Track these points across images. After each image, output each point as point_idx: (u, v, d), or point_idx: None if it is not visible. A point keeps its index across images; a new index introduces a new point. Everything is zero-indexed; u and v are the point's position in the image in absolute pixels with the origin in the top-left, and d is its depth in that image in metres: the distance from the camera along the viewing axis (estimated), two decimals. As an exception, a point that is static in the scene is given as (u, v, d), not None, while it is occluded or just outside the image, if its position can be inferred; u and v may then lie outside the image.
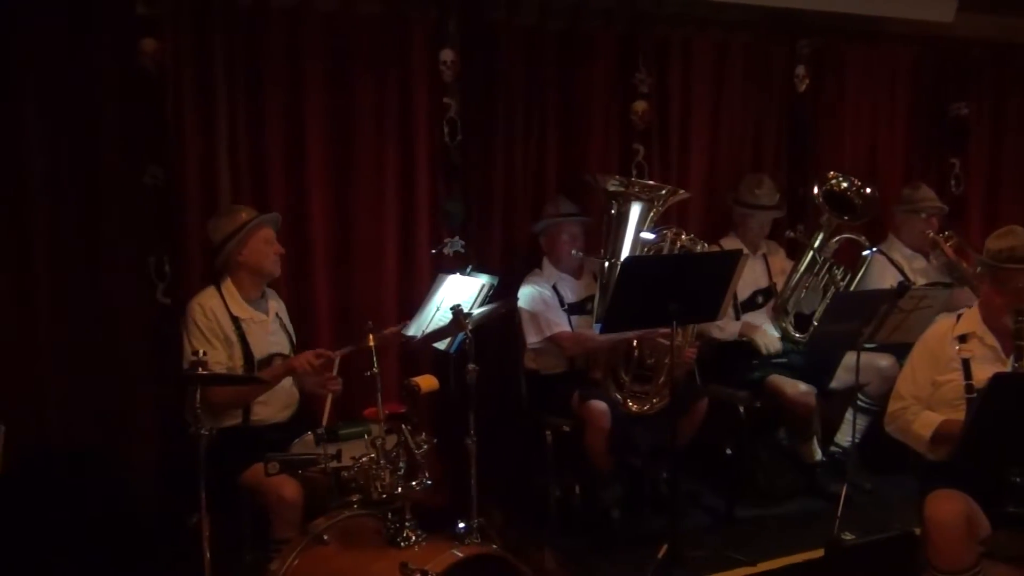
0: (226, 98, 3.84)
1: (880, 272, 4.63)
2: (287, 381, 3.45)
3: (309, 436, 3.07)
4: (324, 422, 3.20)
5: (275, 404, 3.40)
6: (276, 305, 3.55)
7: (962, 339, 3.03)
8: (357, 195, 4.10)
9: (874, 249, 4.80)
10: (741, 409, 4.17)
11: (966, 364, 2.96)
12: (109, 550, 3.43)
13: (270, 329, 3.45)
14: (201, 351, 2.81)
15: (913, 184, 4.86)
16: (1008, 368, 2.86)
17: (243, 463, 3.13)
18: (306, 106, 3.96)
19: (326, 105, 4.00)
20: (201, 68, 3.79)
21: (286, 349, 3.49)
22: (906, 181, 5.14)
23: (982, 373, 2.85)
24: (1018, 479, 2.72)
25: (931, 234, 4.63)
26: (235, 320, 3.35)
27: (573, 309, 4.13)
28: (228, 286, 3.40)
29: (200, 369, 2.75)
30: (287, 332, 3.55)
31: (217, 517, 2.78)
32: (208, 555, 2.70)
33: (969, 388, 2.92)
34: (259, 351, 3.37)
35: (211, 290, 3.41)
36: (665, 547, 3.55)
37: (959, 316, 3.16)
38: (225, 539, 3.03)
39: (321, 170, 4.02)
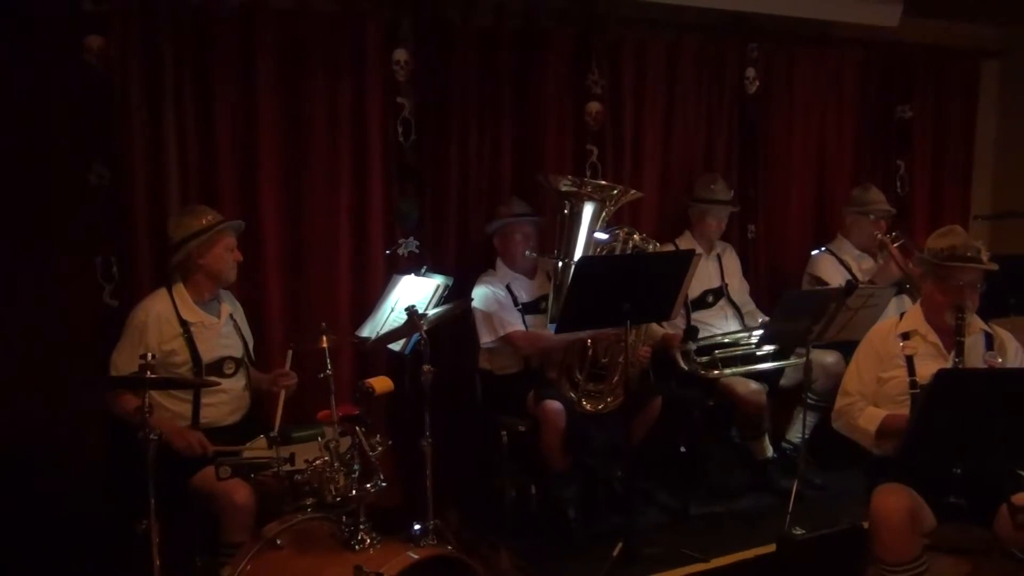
0: (175, 96, 3.78)
1: (830, 271, 4.72)
2: (239, 383, 3.41)
3: (261, 439, 3.04)
4: (277, 421, 3.17)
5: (225, 407, 3.37)
6: (230, 307, 3.51)
7: (905, 337, 3.11)
8: (310, 195, 4.06)
9: (823, 248, 4.90)
10: (694, 408, 4.22)
11: (909, 361, 3.04)
12: (54, 559, 3.36)
13: (221, 332, 3.41)
14: (149, 355, 2.75)
15: (863, 186, 4.95)
16: (949, 364, 2.93)
17: (193, 467, 3.09)
18: (258, 105, 3.91)
19: (278, 104, 3.96)
20: (149, 66, 3.72)
21: (238, 352, 3.45)
22: (853, 182, 5.25)
23: (925, 369, 2.92)
24: (959, 471, 2.80)
25: (879, 235, 4.72)
26: (184, 324, 3.30)
27: (527, 309, 4.14)
28: (180, 289, 3.36)
29: (148, 373, 2.70)
30: (241, 335, 3.51)
31: (167, 523, 2.73)
32: (157, 562, 2.65)
33: (913, 384, 3.00)
34: (208, 355, 3.32)
35: (161, 293, 3.36)
36: (620, 545, 3.57)
37: (902, 314, 3.24)
38: (175, 545, 2.97)
39: (273, 169, 3.97)
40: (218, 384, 3.25)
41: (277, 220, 4.00)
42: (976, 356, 3.04)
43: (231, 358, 3.40)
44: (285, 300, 4.03)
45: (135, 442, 2.65)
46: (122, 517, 3.03)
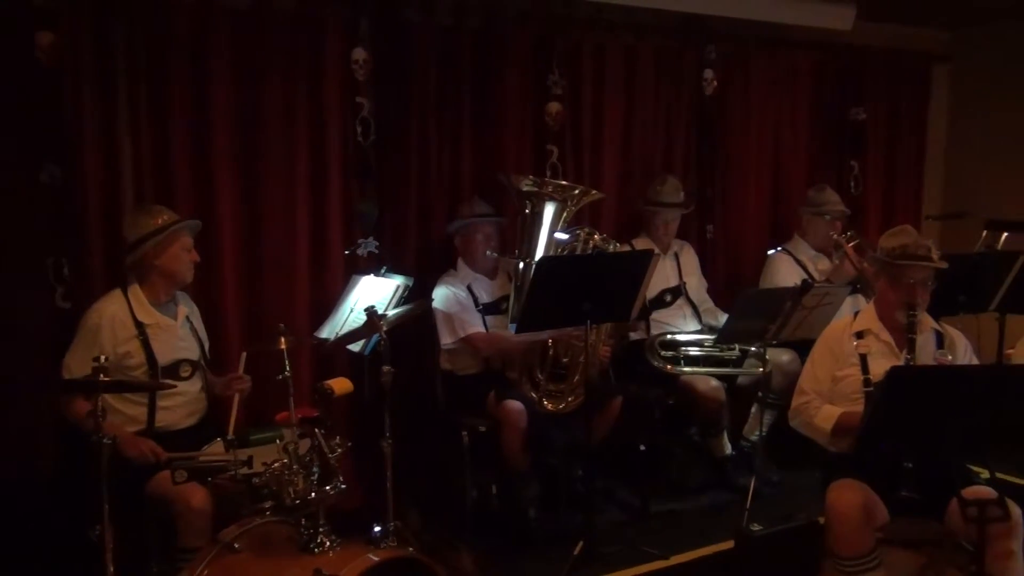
0: (128, 94, 3.72)
1: (785, 271, 4.79)
2: (194, 385, 3.37)
3: (218, 442, 3.01)
4: (231, 425, 3.13)
5: (181, 410, 3.32)
6: (187, 309, 3.46)
7: (859, 335, 3.16)
8: (267, 194, 4.02)
9: (779, 248, 4.97)
10: (655, 406, 4.25)
11: (863, 359, 3.09)
12: (5, 568, 3.28)
13: (178, 334, 3.36)
14: (103, 357, 2.70)
15: (818, 187, 5.03)
16: (901, 362, 2.99)
17: (149, 471, 3.04)
18: (214, 103, 3.86)
19: (235, 103, 3.91)
20: (101, 63, 3.65)
21: (195, 355, 3.41)
22: (809, 182, 5.33)
23: (878, 367, 2.98)
24: (911, 466, 2.86)
25: (834, 236, 4.80)
26: (139, 326, 3.25)
27: (488, 309, 4.14)
28: (135, 291, 3.30)
29: (102, 376, 2.65)
30: (197, 337, 3.46)
31: (121, 528, 2.68)
32: (112, 568, 2.60)
33: (867, 382, 3.05)
34: (164, 357, 3.27)
35: (116, 294, 3.30)
36: (581, 544, 3.60)
37: (856, 313, 3.30)
38: (130, 551, 2.93)
39: (229, 169, 3.92)
40: (174, 387, 3.21)
41: (234, 220, 3.95)
42: (927, 354, 3.10)
43: (187, 360, 3.35)
44: (242, 301, 3.99)
45: (88, 446, 2.59)
46: (75, 523, 2.98)
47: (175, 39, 3.77)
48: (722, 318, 4.68)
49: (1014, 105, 5.67)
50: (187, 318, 3.43)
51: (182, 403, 3.32)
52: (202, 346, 3.47)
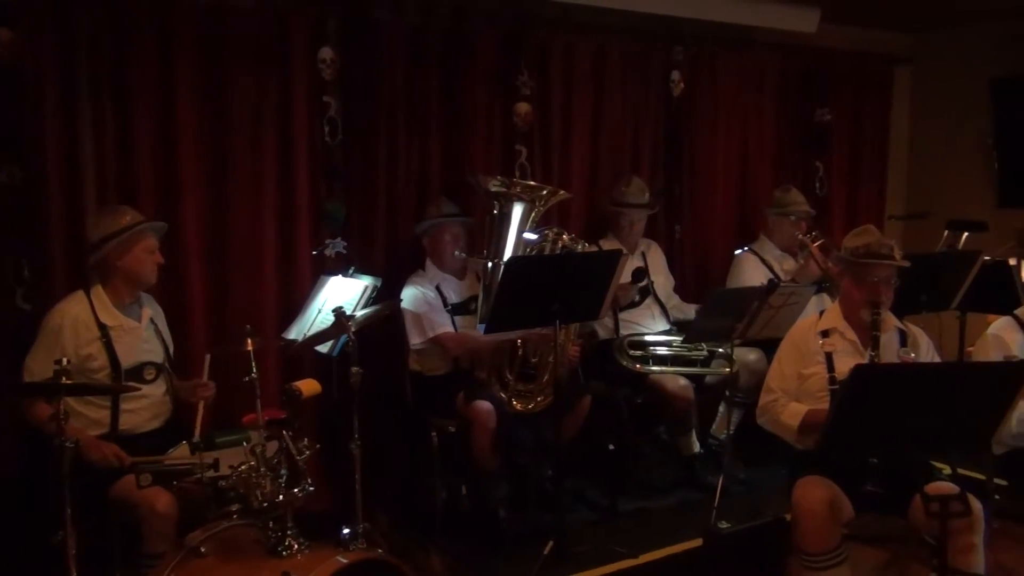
0: (90, 93, 3.65)
1: (752, 271, 4.83)
2: (159, 388, 3.33)
3: (184, 445, 2.97)
4: (197, 430, 3.10)
5: (145, 413, 3.27)
6: (151, 311, 3.41)
7: (825, 334, 3.20)
8: (233, 195, 3.97)
9: (745, 248, 5.02)
10: (624, 405, 4.27)
11: (829, 357, 3.13)
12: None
13: (142, 336, 3.31)
14: (65, 360, 2.66)
15: (783, 187, 5.08)
16: (866, 359, 3.03)
17: (112, 475, 2.99)
18: (178, 102, 3.81)
19: (200, 101, 3.86)
20: (63, 61, 3.58)
21: (159, 357, 3.36)
22: (775, 183, 5.39)
23: (844, 365, 3.02)
24: (876, 462, 2.90)
25: (800, 236, 4.86)
26: (102, 328, 3.20)
27: (456, 310, 4.13)
28: (98, 292, 3.26)
29: (64, 378, 2.61)
30: (162, 339, 3.42)
31: (84, 534, 2.65)
32: (75, 574, 2.56)
33: (832, 380, 3.09)
34: (127, 360, 3.23)
35: (78, 295, 3.25)
36: (551, 543, 3.59)
37: (822, 312, 3.34)
38: (93, 557, 2.88)
39: (194, 168, 3.87)
40: (138, 389, 3.16)
41: (199, 221, 3.90)
42: (891, 352, 3.15)
43: (152, 363, 3.31)
44: (208, 303, 3.94)
45: (50, 450, 2.55)
46: (37, 528, 2.92)
47: (138, 37, 3.71)
48: (688, 309, 4.72)
49: (974, 107, 5.78)
50: (151, 320, 3.39)
51: (146, 406, 3.27)
52: (167, 348, 3.43)
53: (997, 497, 3.32)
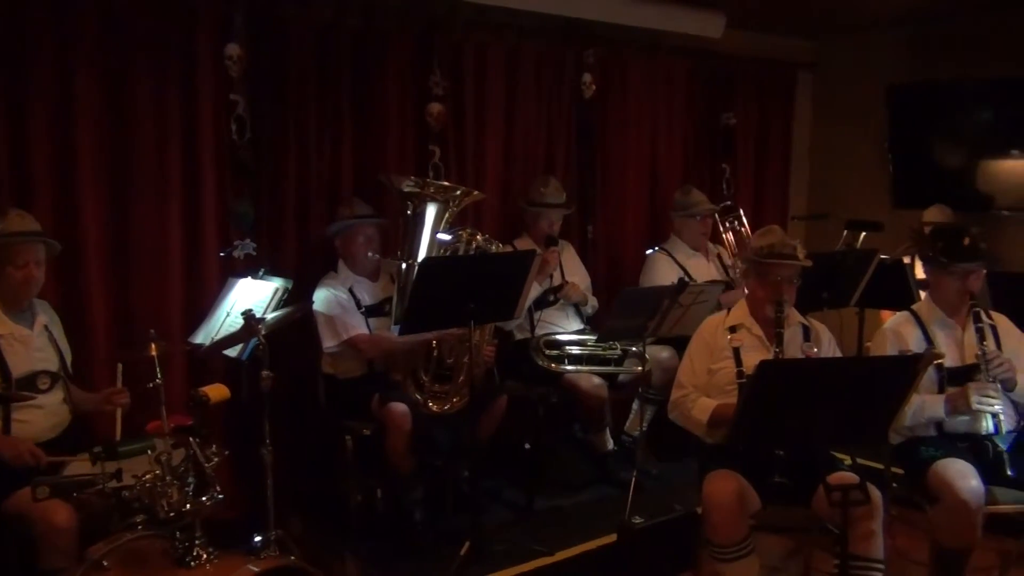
0: (-20, 88, 3.48)
1: (664, 270, 4.92)
2: (55, 397, 3.19)
3: (85, 455, 2.85)
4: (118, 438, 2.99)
5: (41, 423, 3.13)
6: (45, 318, 3.26)
7: (732, 330, 3.29)
8: (136, 196, 3.83)
9: (657, 248, 5.12)
10: (539, 405, 4.30)
11: (736, 353, 3.21)
12: None
13: (35, 345, 3.17)
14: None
15: (683, 189, 5.18)
16: (772, 354, 3.12)
17: (6, 488, 2.85)
18: (76, 98, 3.65)
19: (99, 99, 3.71)
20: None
21: (55, 365, 3.22)
22: (685, 183, 5.50)
23: (751, 360, 3.11)
24: (782, 454, 2.99)
25: (709, 244, 4.97)
26: (-9, 336, 3.05)
27: (370, 312, 4.09)
28: (-13, 299, 3.10)
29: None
30: (57, 347, 3.27)
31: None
32: (-35, 594, 2.44)
33: (740, 375, 3.17)
34: (19, 369, 3.08)
35: (-33, 302, 3.09)
36: (468, 544, 3.59)
37: (729, 309, 3.43)
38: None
39: (94, 169, 3.71)
40: (32, 398, 3.02)
41: (99, 223, 3.74)
42: (796, 346, 3.26)
43: (46, 372, 3.17)
44: (110, 309, 3.79)
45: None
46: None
47: (35, 27, 3.54)
48: (591, 299, 4.78)
49: (871, 112, 6.03)
50: (45, 327, 3.24)
51: (41, 416, 3.13)
52: (62, 357, 3.28)
53: (895, 485, 3.47)
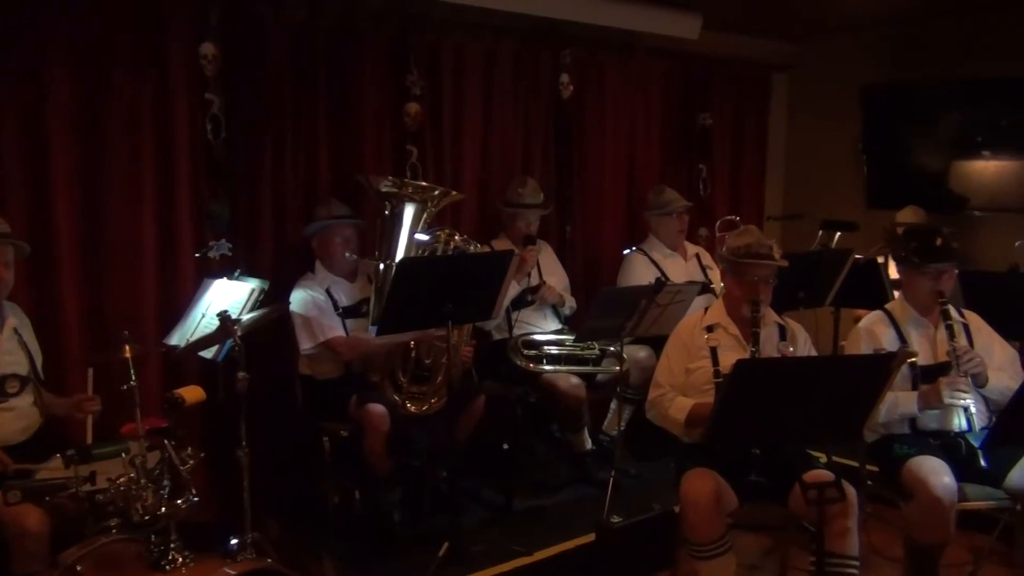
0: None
1: (641, 270, 4.94)
2: (25, 400, 3.15)
3: (57, 458, 2.81)
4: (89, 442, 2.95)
5: (10, 426, 3.09)
6: (14, 320, 3.22)
7: (709, 329, 3.30)
8: (109, 196, 3.78)
9: (634, 248, 5.13)
10: (517, 405, 4.30)
11: (713, 352, 3.23)
12: None
13: (3, 348, 3.12)
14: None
15: (656, 189, 5.20)
16: (748, 354, 3.14)
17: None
18: (48, 97, 3.60)
19: (71, 99, 3.66)
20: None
21: (24, 369, 3.18)
22: (662, 183, 5.52)
23: (727, 359, 3.12)
24: (758, 452, 3.01)
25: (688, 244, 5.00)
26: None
27: (348, 313, 4.07)
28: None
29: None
30: (27, 350, 3.23)
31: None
32: (-65, 600, 2.41)
33: (716, 374, 3.18)
34: (-12, 372, 3.04)
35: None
36: (446, 545, 3.59)
37: (706, 309, 3.45)
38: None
39: (66, 169, 3.66)
40: (2, 402, 2.98)
41: (71, 224, 3.70)
42: (772, 346, 3.28)
43: (15, 375, 3.13)
44: (83, 310, 3.74)
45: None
46: None
47: (6, 26, 3.49)
48: (569, 299, 4.79)
49: (845, 113, 6.09)
50: (15, 330, 3.19)
51: (11, 419, 3.09)
52: (32, 359, 3.24)
53: (869, 483, 3.50)
